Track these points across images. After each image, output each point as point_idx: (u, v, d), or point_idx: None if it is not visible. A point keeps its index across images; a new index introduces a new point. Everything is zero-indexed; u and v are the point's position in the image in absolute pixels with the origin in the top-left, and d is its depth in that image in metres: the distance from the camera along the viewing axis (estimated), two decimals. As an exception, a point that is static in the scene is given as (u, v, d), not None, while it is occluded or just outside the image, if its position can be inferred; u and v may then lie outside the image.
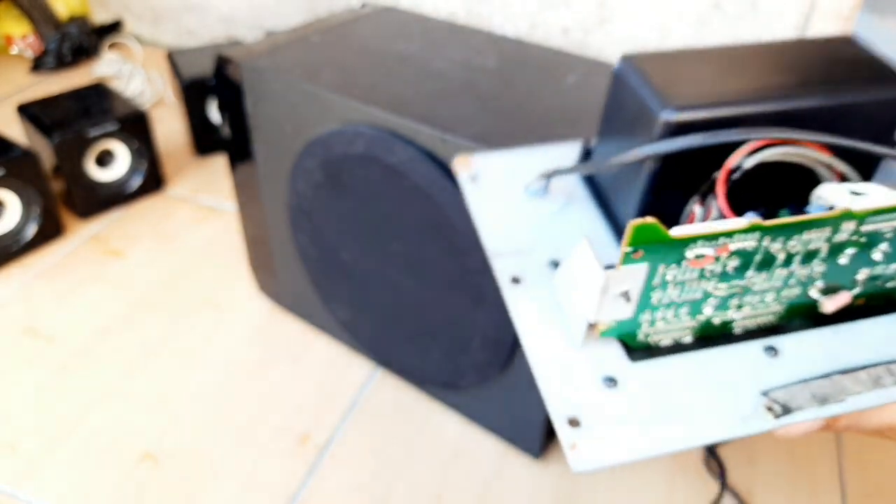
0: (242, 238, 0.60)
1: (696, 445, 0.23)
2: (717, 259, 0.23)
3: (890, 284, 0.27)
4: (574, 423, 0.23)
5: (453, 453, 0.51)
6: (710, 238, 0.23)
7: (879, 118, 0.26)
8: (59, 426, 0.51)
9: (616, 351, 0.25)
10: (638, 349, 0.25)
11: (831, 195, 0.24)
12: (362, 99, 0.42)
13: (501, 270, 0.28)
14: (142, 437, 0.51)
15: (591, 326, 0.25)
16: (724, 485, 0.40)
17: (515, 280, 0.27)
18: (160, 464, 0.49)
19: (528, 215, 0.30)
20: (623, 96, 0.27)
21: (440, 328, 0.47)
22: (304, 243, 0.53)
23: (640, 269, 0.23)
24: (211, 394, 0.55)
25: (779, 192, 0.26)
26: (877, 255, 0.25)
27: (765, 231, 0.23)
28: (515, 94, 0.44)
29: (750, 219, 0.23)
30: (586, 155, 0.32)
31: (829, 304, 0.26)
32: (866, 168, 0.27)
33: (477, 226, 0.30)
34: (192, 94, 0.78)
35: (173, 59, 0.82)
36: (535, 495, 0.49)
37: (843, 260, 0.25)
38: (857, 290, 0.27)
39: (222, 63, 0.48)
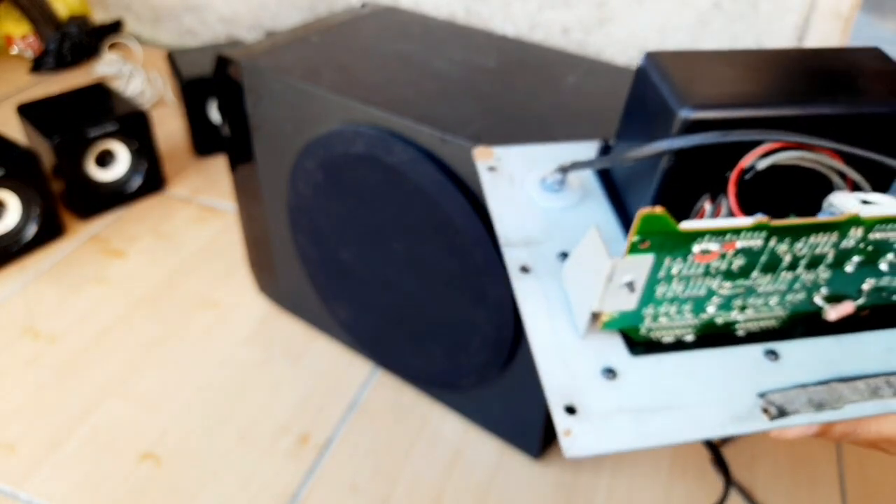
0: (242, 238, 0.60)
1: (689, 440, 0.23)
2: (722, 256, 0.24)
3: None
4: (570, 410, 0.23)
5: (453, 453, 0.51)
6: (717, 234, 0.23)
7: None
8: (59, 426, 0.51)
9: (617, 344, 0.25)
10: (640, 343, 0.25)
11: (843, 203, 0.24)
12: (362, 99, 0.42)
13: (512, 259, 0.28)
14: (142, 437, 0.51)
15: (595, 317, 0.25)
16: (728, 482, 0.40)
17: (524, 269, 0.28)
18: (160, 463, 0.49)
19: (543, 208, 0.31)
20: (644, 92, 0.27)
21: (440, 328, 0.47)
22: (304, 243, 0.53)
23: (645, 260, 0.23)
24: (211, 393, 0.55)
25: (791, 197, 0.26)
26: (883, 265, 0.25)
27: (771, 231, 0.23)
28: (515, 94, 0.44)
29: (757, 217, 0.23)
30: (604, 153, 0.33)
31: (833, 312, 0.26)
32: (883, 182, 0.27)
33: (492, 215, 0.30)
34: (192, 94, 0.78)
35: (173, 59, 0.82)
36: (534, 495, 0.49)
37: (849, 268, 0.25)
38: (861, 301, 0.27)
39: (222, 63, 0.48)
